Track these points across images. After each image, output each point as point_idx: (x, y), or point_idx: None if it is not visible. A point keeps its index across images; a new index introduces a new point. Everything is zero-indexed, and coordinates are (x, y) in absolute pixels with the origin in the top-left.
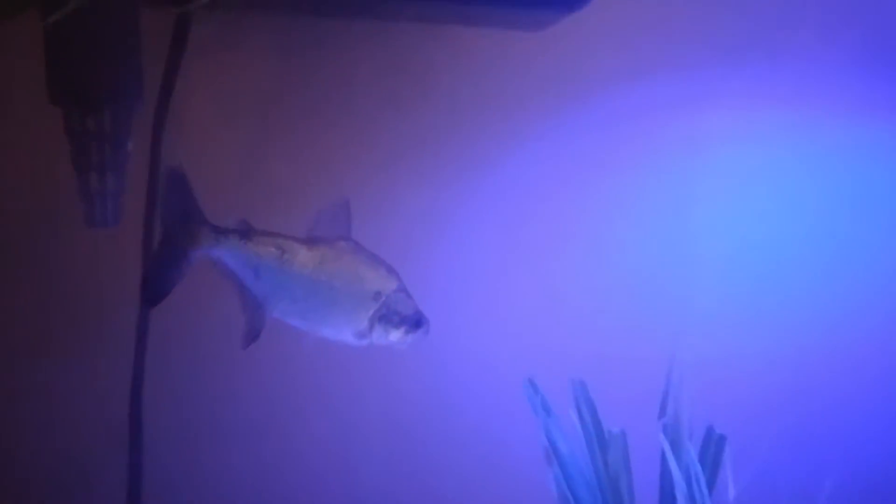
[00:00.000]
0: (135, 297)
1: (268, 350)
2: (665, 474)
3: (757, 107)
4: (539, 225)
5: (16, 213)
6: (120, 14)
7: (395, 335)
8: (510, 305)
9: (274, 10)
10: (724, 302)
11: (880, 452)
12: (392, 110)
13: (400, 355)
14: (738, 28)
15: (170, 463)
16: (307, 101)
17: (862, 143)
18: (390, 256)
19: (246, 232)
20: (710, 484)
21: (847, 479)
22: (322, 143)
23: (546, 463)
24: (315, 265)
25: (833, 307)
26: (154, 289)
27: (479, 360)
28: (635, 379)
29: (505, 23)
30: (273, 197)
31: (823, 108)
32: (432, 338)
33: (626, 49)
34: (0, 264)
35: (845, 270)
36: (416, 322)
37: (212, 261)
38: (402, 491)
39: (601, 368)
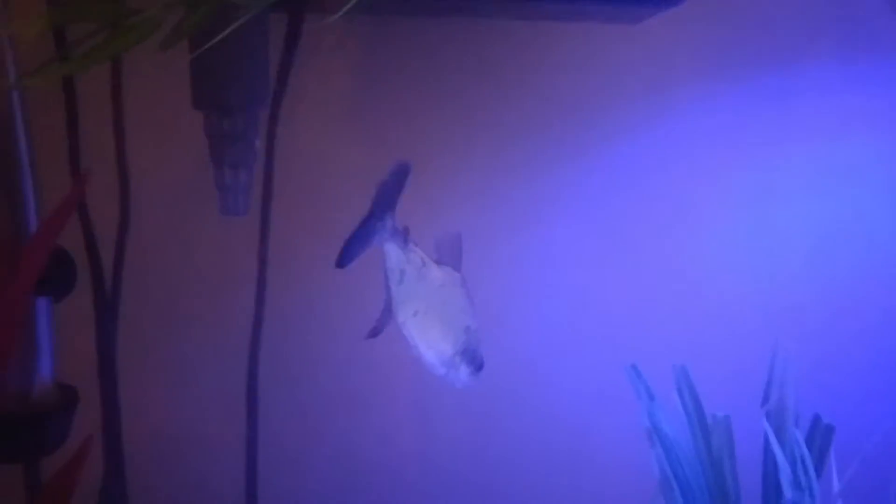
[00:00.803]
0: (252, 278)
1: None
2: (768, 460)
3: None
4: (640, 215)
5: (159, 202)
6: (254, 31)
7: (465, 372)
8: (613, 293)
9: (376, 12)
10: (828, 292)
11: None
12: (493, 105)
13: (496, 339)
14: (838, 23)
15: (284, 431)
16: (406, 98)
17: None
18: (497, 242)
19: (407, 237)
20: (817, 473)
21: None
22: (424, 136)
23: (649, 445)
24: (438, 286)
25: None
26: (346, 253)
27: (581, 347)
28: (736, 367)
29: (602, 17)
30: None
31: None
32: (533, 325)
33: (719, 44)
34: (144, 246)
35: None
36: (480, 365)
37: (382, 251)
38: (487, 465)
39: (702, 356)
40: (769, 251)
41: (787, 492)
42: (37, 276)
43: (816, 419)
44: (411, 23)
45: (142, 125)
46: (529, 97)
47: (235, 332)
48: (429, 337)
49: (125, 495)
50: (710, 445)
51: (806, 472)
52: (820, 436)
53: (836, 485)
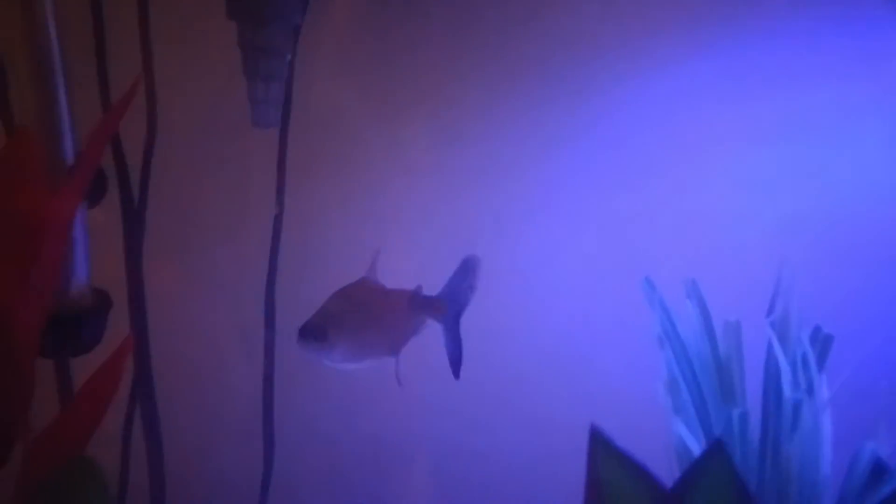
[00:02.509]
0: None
1: None
2: (770, 363)
3: None
4: (646, 137)
5: (187, 113)
6: None
7: None
8: (625, 212)
9: None
10: (833, 203)
11: None
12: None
13: (513, 263)
14: None
15: (298, 363)
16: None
17: None
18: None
19: None
20: (815, 377)
21: None
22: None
23: (659, 347)
24: None
25: None
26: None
27: (594, 265)
28: (743, 279)
29: None
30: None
31: None
32: (544, 244)
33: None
34: (171, 156)
35: None
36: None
37: None
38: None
39: (712, 269)
40: (771, 163)
41: (788, 392)
42: (84, 189)
43: (816, 329)
44: None
45: (172, 35)
46: (536, 35)
47: (256, 243)
48: None
49: (154, 400)
50: (717, 350)
51: (807, 373)
52: (819, 345)
53: (825, 392)
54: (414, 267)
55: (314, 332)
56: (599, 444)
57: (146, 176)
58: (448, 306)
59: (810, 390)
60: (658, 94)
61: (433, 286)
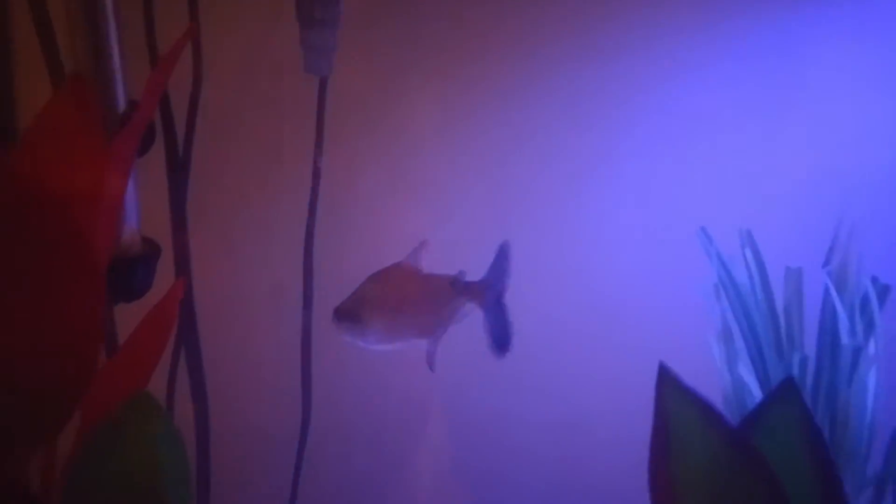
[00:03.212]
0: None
1: None
2: (826, 310)
3: None
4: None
5: (233, 61)
6: None
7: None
8: (684, 167)
9: None
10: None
11: None
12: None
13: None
14: None
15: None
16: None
17: None
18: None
19: None
20: (871, 326)
21: None
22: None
23: (715, 299)
24: None
25: None
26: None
27: (650, 215)
28: (800, 232)
29: None
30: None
31: None
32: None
33: None
34: (216, 106)
35: None
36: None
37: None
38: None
39: (769, 221)
40: (847, 125)
41: (845, 338)
42: (139, 138)
43: (873, 279)
44: None
45: None
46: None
47: (295, 194)
48: None
49: (199, 347)
50: (772, 298)
51: (864, 320)
52: (877, 294)
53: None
54: (457, 227)
55: (348, 314)
56: (668, 380)
57: (191, 127)
58: (487, 292)
59: (867, 338)
60: (714, 54)
61: (476, 249)
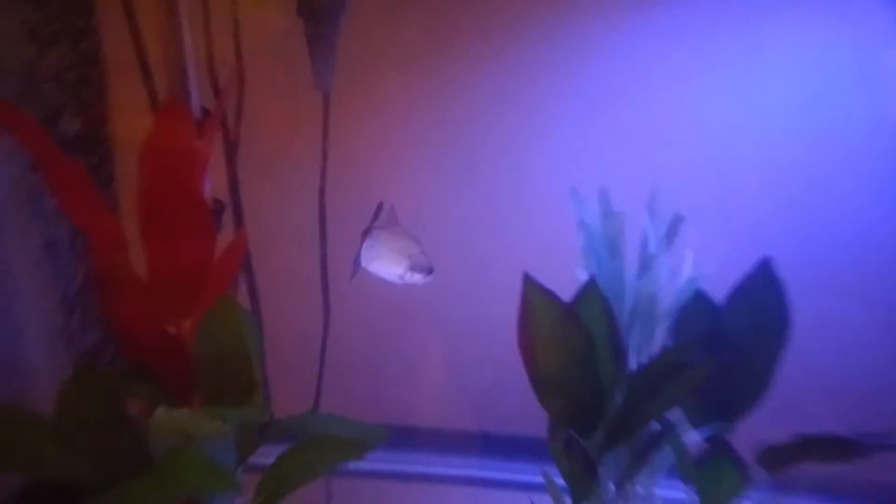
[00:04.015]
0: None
1: None
2: (645, 235)
3: None
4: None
5: (267, 84)
6: None
7: (418, 278)
8: (614, 152)
9: None
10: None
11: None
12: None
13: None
14: None
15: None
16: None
17: None
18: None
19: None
20: (670, 242)
21: None
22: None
23: (578, 229)
24: (384, 240)
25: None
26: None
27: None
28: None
29: None
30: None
31: None
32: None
33: None
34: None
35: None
36: (430, 271)
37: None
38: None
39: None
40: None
41: (652, 248)
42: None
43: (676, 215)
44: None
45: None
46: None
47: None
48: (384, 268)
49: (254, 275)
50: (613, 234)
51: (667, 237)
52: (674, 223)
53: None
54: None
55: (430, 268)
56: (529, 280)
57: (239, 118)
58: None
59: (666, 249)
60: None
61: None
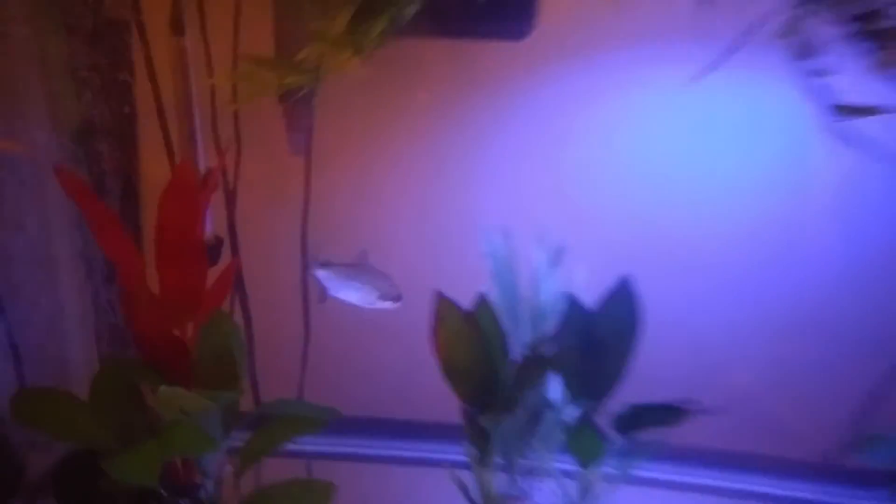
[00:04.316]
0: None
1: None
2: (536, 260)
3: None
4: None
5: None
6: None
7: (388, 304)
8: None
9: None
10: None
11: None
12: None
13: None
14: None
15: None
16: None
17: None
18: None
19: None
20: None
21: None
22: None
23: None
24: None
25: None
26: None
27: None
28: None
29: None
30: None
31: None
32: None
33: None
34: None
35: None
36: (398, 298)
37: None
38: None
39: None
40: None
41: (542, 270)
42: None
43: (559, 245)
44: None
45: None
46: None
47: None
48: (359, 297)
49: (246, 294)
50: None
51: (552, 263)
52: (555, 254)
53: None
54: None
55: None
56: (440, 295)
57: (236, 178)
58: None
59: (551, 271)
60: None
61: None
